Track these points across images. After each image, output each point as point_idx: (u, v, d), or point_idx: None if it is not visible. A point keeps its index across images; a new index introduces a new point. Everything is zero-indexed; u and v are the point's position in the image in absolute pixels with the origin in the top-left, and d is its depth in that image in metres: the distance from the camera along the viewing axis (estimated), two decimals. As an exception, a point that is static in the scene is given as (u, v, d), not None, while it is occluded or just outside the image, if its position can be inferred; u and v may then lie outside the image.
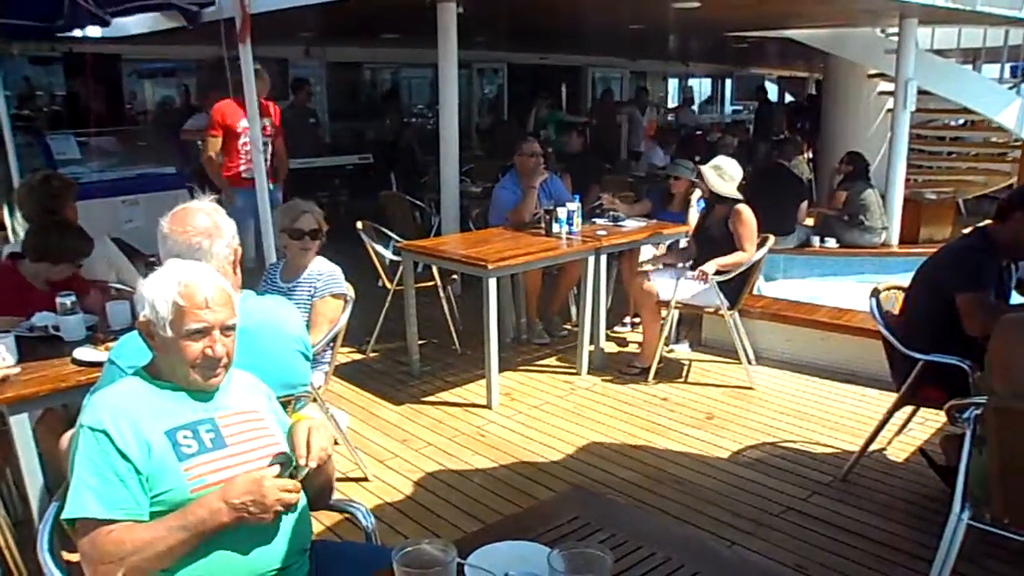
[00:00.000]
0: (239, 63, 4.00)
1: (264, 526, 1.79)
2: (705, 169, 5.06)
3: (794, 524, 3.37)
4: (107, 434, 1.71)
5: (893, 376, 3.64)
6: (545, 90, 14.05)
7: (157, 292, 1.83)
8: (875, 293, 3.63)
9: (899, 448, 3.98)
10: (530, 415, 4.53)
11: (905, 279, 3.74)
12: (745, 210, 4.87)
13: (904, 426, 3.97)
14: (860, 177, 7.73)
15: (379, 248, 5.50)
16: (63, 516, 1.72)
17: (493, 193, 5.88)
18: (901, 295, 3.70)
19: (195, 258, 2.13)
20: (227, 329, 1.86)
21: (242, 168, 5.69)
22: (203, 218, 2.26)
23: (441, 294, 5.58)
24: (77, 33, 5.70)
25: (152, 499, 1.72)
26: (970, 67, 9.80)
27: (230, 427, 1.86)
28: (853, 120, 9.98)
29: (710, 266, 4.75)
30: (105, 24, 5.15)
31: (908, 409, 3.80)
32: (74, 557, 1.76)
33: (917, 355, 3.34)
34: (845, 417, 4.43)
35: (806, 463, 3.91)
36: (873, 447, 3.77)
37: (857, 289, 6.05)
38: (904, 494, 3.58)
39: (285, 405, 2.16)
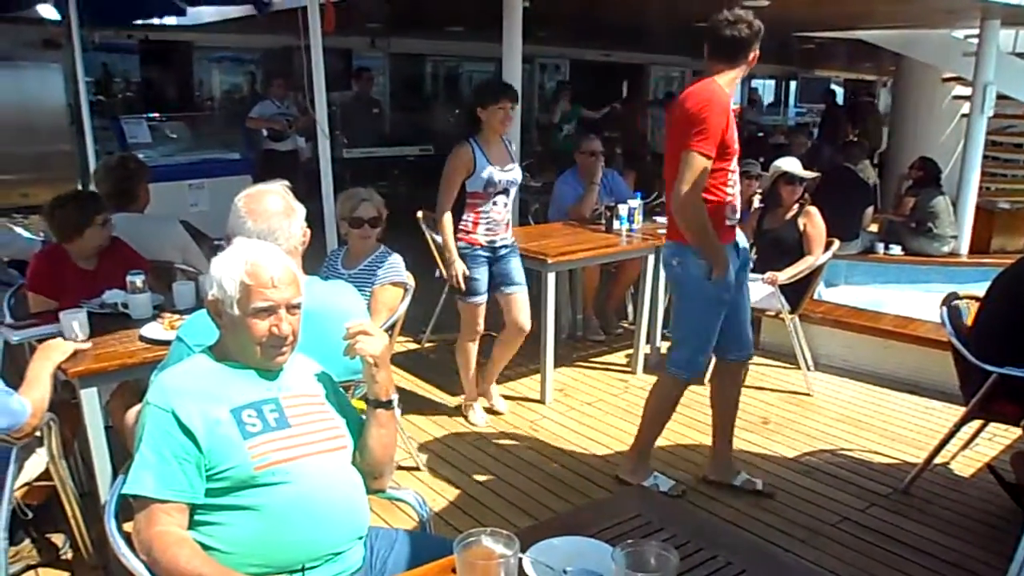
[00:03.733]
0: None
1: (322, 510, 1.80)
2: (787, 160, 4.98)
3: (851, 535, 3.28)
4: (173, 413, 1.74)
5: (962, 388, 3.53)
6: (606, 85, 13.81)
7: (225, 271, 1.86)
8: (947, 302, 3.52)
9: (965, 463, 3.85)
10: (583, 412, 4.51)
11: (974, 289, 3.62)
12: (816, 212, 4.80)
13: (971, 440, 3.85)
14: (931, 183, 7.52)
15: (438, 238, 5.51)
16: (122, 491, 1.76)
17: (554, 188, 5.86)
18: (973, 305, 3.58)
19: (273, 239, 2.17)
20: (293, 307, 1.88)
21: (728, 213, 3.34)
22: (277, 200, 2.30)
23: (498, 287, 5.56)
24: (155, 20, 5.81)
25: (217, 475, 1.75)
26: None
27: (293, 408, 1.88)
28: (925, 125, 9.70)
29: (784, 275, 4.66)
30: (181, 13, 5.26)
31: (975, 423, 3.68)
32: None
33: (991, 368, 3.22)
34: (906, 428, 4.32)
35: (864, 473, 3.82)
36: (937, 461, 3.66)
37: (921, 298, 5.89)
38: (970, 511, 3.47)
39: (345, 390, 2.17)
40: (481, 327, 4.23)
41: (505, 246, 4.14)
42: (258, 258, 1.87)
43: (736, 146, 3.25)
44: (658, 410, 3.61)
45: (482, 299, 4.14)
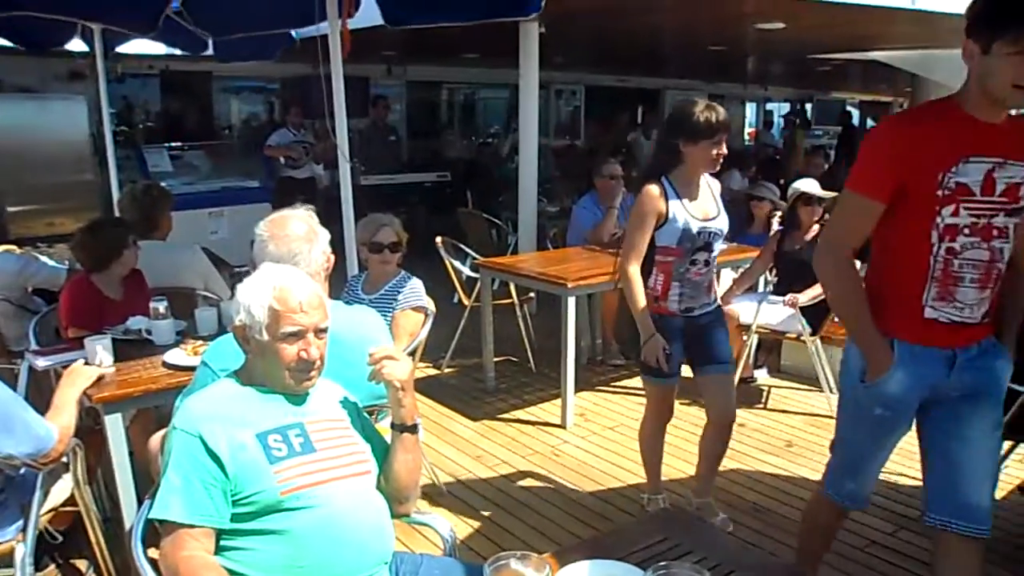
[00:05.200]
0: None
1: (348, 535, 1.80)
2: (806, 182, 4.98)
3: (879, 559, 3.24)
4: (200, 437, 1.75)
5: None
6: (627, 111, 13.75)
7: (253, 297, 1.86)
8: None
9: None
10: (604, 436, 4.48)
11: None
12: None
13: (1001, 462, 3.77)
14: (950, 203, 7.46)
15: (457, 264, 5.54)
16: (149, 516, 1.77)
17: (572, 213, 5.88)
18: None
19: (294, 263, 2.18)
20: (320, 332, 1.89)
21: (931, 297, 2.19)
22: (300, 224, 2.32)
23: (517, 312, 5.57)
24: (177, 50, 5.92)
25: (243, 500, 1.75)
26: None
27: (318, 432, 1.88)
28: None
29: (804, 296, 4.63)
30: (204, 48, 5.37)
31: (1004, 445, 3.62)
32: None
33: (1020, 388, 3.18)
34: (934, 451, 4.25)
35: (891, 496, 3.76)
36: (966, 483, 3.60)
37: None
38: (1001, 533, 3.40)
39: (369, 415, 2.17)
40: (671, 409, 3.45)
41: (707, 313, 3.25)
42: (285, 283, 1.88)
43: (944, 189, 2.06)
44: (804, 532, 2.83)
45: (671, 382, 3.29)
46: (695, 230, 3.06)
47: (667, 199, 3.05)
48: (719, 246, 3.20)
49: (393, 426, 1.98)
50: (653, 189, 3.06)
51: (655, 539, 1.72)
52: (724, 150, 3.05)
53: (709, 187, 3.21)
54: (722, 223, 3.18)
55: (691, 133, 3.02)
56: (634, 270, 3.12)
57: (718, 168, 3.14)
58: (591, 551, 1.65)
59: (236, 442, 1.77)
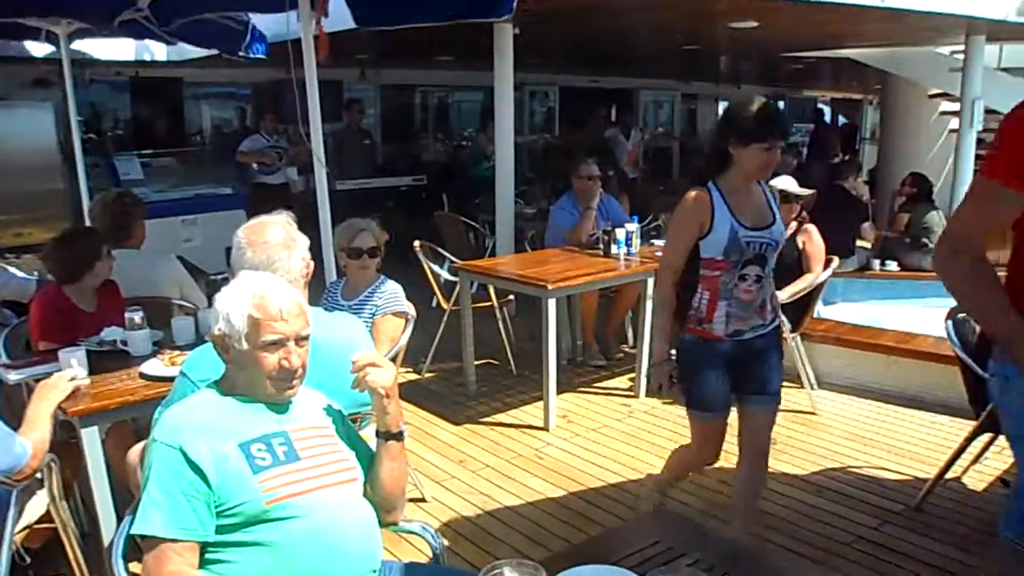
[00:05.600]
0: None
1: (335, 543, 1.77)
2: (783, 179, 5.01)
3: (865, 554, 3.24)
4: (181, 449, 1.71)
5: (971, 402, 3.50)
6: (601, 112, 13.71)
7: (232, 306, 1.83)
8: (952, 315, 3.51)
9: (976, 477, 3.82)
10: (588, 438, 4.47)
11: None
12: (814, 230, 4.79)
13: (980, 454, 3.80)
14: (924, 199, 7.55)
15: (435, 268, 5.51)
16: (131, 531, 1.73)
17: (550, 214, 5.87)
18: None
19: (272, 270, 2.14)
20: (301, 340, 1.86)
21: None
22: (279, 231, 2.27)
23: (497, 315, 5.55)
24: (146, 56, 5.82)
25: (227, 511, 1.71)
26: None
27: (302, 441, 1.85)
28: (914, 141, 9.78)
29: (784, 293, 4.65)
30: (170, 43, 5.27)
31: (984, 437, 3.64)
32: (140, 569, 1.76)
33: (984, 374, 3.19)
34: (914, 444, 4.28)
35: (875, 490, 3.78)
36: (947, 475, 3.62)
37: (920, 313, 5.86)
38: (984, 525, 3.43)
39: (352, 422, 2.14)
40: (716, 452, 3.00)
41: (762, 336, 2.86)
42: (265, 291, 1.84)
43: None
44: None
45: (716, 416, 2.88)
46: (743, 240, 2.72)
47: (712, 205, 2.72)
48: (773, 258, 2.83)
49: (378, 433, 1.95)
50: (694, 194, 2.76)
51: (649, 542, 1.70)
52: (778, 157, 2.74)
53: (763, 193, 2.88)
54: (776, 233, 2.82)
55: (742, 134, 2.70)
56: (665, 285, 2.87)
57: (770, 175, 2.90)
58: (584, 556, 1.62)
59: (218, 452, 1.73)
